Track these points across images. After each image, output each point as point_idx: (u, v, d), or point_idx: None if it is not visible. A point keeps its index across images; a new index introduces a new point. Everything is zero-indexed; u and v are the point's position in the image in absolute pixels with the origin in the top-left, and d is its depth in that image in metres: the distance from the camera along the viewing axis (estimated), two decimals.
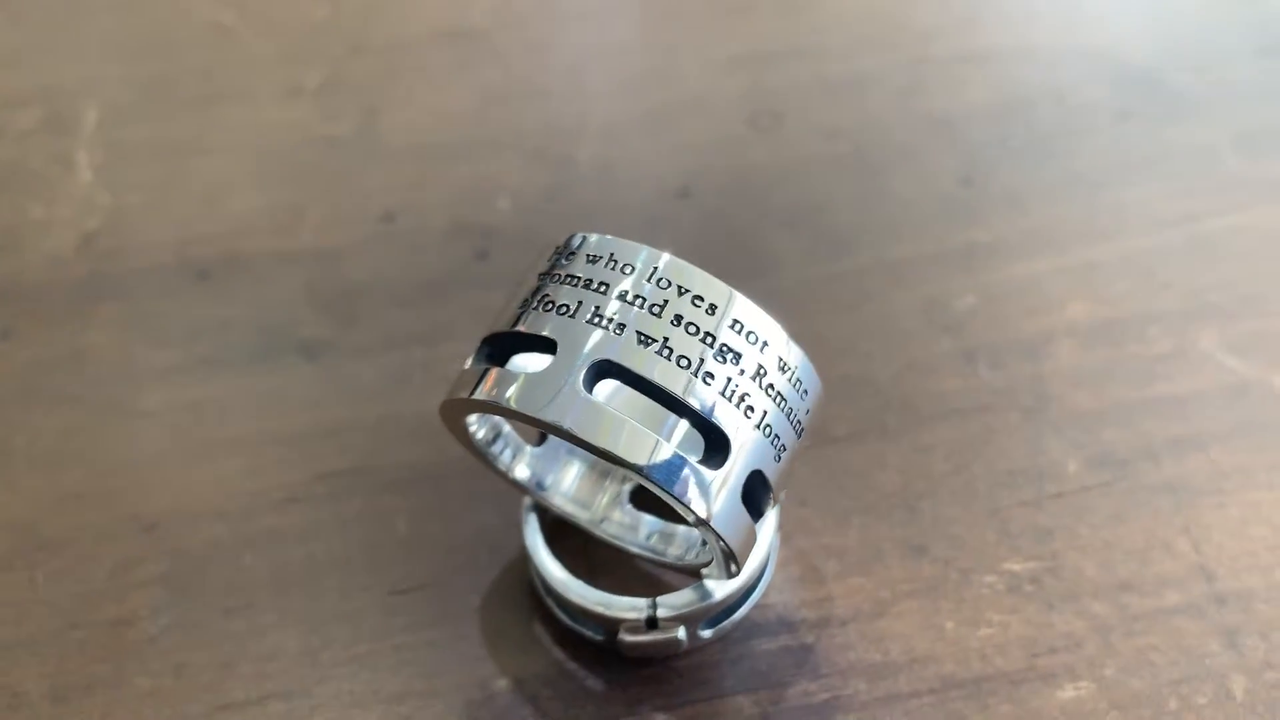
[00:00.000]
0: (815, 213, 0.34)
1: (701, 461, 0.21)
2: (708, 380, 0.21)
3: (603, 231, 0.23)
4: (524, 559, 0.27)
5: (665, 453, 0.21)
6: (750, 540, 0.22)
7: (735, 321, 0.22)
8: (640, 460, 0.21)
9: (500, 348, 0.23)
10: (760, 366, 0.22)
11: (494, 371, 0.22)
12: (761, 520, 0.23)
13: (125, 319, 0.32)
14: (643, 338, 0.21)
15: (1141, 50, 0.38)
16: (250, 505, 0.28)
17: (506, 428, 0.26)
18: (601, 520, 0.26)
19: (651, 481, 0.21)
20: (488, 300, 0.32)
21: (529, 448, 0.26)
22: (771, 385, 0.22)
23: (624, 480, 0.27)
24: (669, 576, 0.26)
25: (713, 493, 0.21)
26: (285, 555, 0.27)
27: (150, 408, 0.30)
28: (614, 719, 0.25)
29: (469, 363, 0.23)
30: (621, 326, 0.21)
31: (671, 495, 0.21)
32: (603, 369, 0.21)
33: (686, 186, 0.35)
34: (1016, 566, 0.26)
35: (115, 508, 0.28)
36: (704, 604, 0.24)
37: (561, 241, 0.23)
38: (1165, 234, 0.33)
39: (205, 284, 0.33)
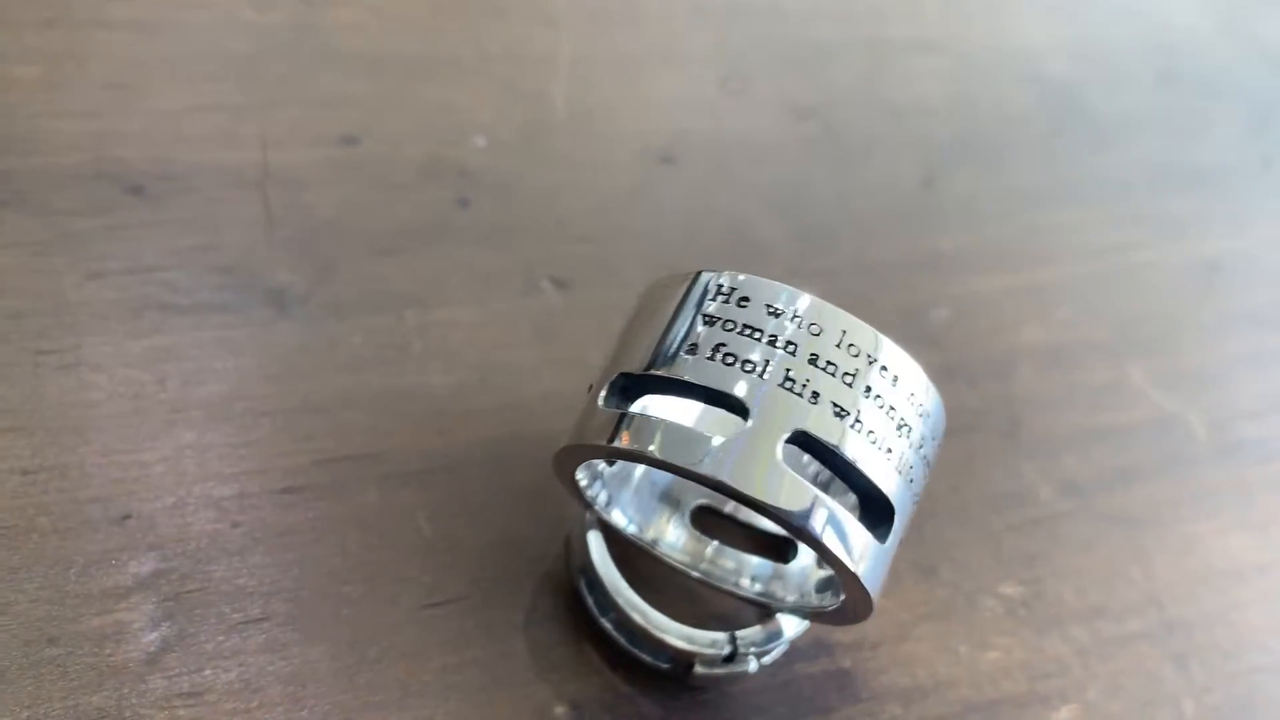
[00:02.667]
0: (796, 198, 0.34)
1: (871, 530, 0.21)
2: (888, 455, 0.21)
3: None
4: (564, 571, 0.26)
5: (867, 542, 0.20)
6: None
7: (913, 395, 0.21)
8: (853, 563, 0.20)
9: (636, 388, 0.21)
10: (923, 440, 0.22)
11: (644, 415, 0.20)
12: None
13: (39, 237, 0.26)
14: (838, 410, 0.20)
15: (1062, 65, 0.40)
16: (246, 494, 0.25)
17: (608, 471, 0.24)
18: (702, 562, 0.25)
19: (846, 572, 0.20)
20: (475, 256, 0.30)
21: (603, 464, 0.24)
22: (926, 459, 0.22)
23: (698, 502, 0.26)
24: (718, 600, 0.26)
25: (883, 568, 0.21)
26: (297, 557, 0.24)
27: (95, 359, 0.25)
28: None
29: (601, 401, 0.21)
30: (816, 395, 0.20)
31: (859, 581, 0.21)
32: (798, 439, 0.20)
33: (669, 152, 0.33)
34: (1010, 590, 0.29)
35: (74, 489, 0.24)
36: (781, 641, 0.25)
37: (693, 274, 0.21)
38: (1096, 263, 0.35)
39: (139, 202, 0.28)
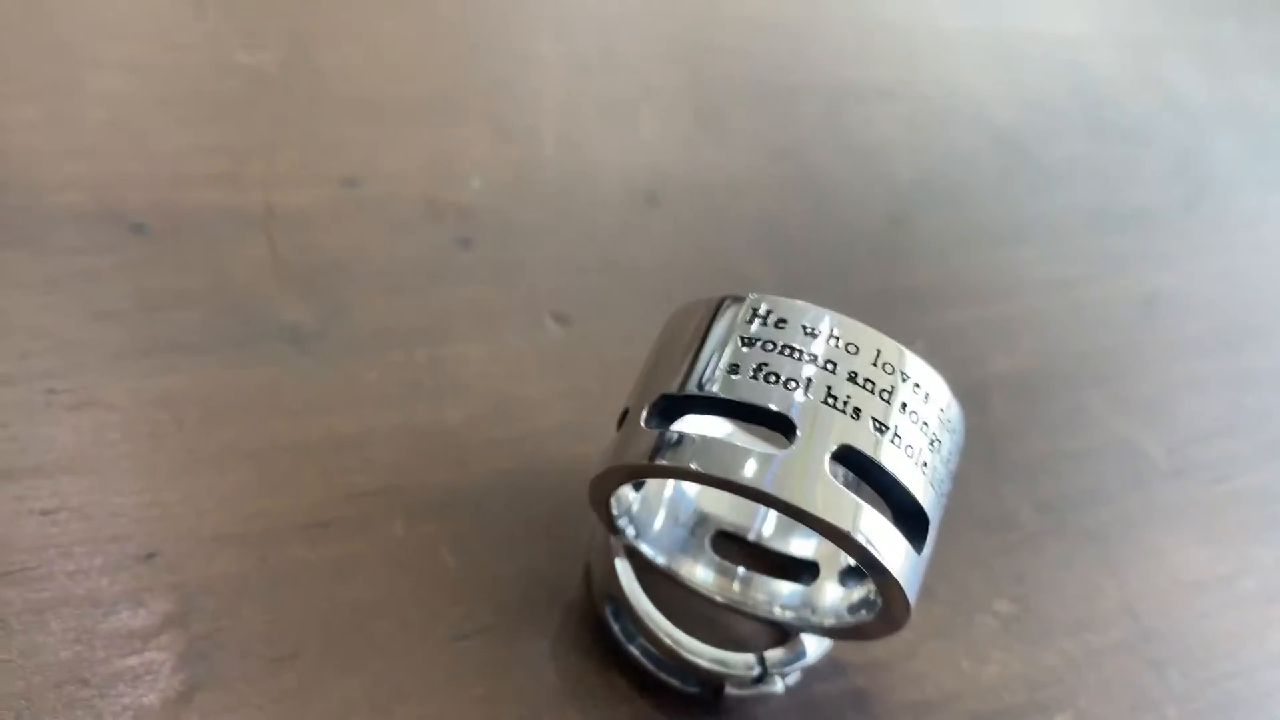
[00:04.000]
0: (775, 234, 0.35)
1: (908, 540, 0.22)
2: (924, 469, 0.22)
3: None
4: (587, 600, 0.26)
5: (907, 552, 0.21)
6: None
7: (943, 411, 0.22)
8: (895, 568, 0.21)
9: (676, 409, 0.22)
10: (951, 456, 0.23)
11: (682, 436, 0.21)
12: None
13: (44, 276, 0.26)
14: (878, 425, 0.21)
15: (1006, 112, 0.43)
16: (272, 530, 0.24)
17: (634, 505, 0.24)
18: (731, 590, 0.26)
19: (890, 581, 0.21)
20: (480, 295, 0.30)
21: (629, 489, 0.25)
22: (952, 472, 0.23)
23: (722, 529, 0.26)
24: (737, 623, 0.27)
25: (919, 577, 0.22)
26: (327, 592, 0.24)
27: (109, 399, 0.25)
28: None
29: (642, 421, 0.22)
30: (858, 412, 0.21)
31: (901, 590, 0.21)
32: (843, 455, 0.21)
33: (654, 190, 0.34)
34: (1003, 607, 0.30)
35: (93, 526, 0.23)
36: (807, 660, 0.25)
37: (719, 299, 0.22)
38: (1051, 296, 0.37)
39: (141, 240, 0.27)
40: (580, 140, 0.34)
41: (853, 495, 0.21)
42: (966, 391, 0.33)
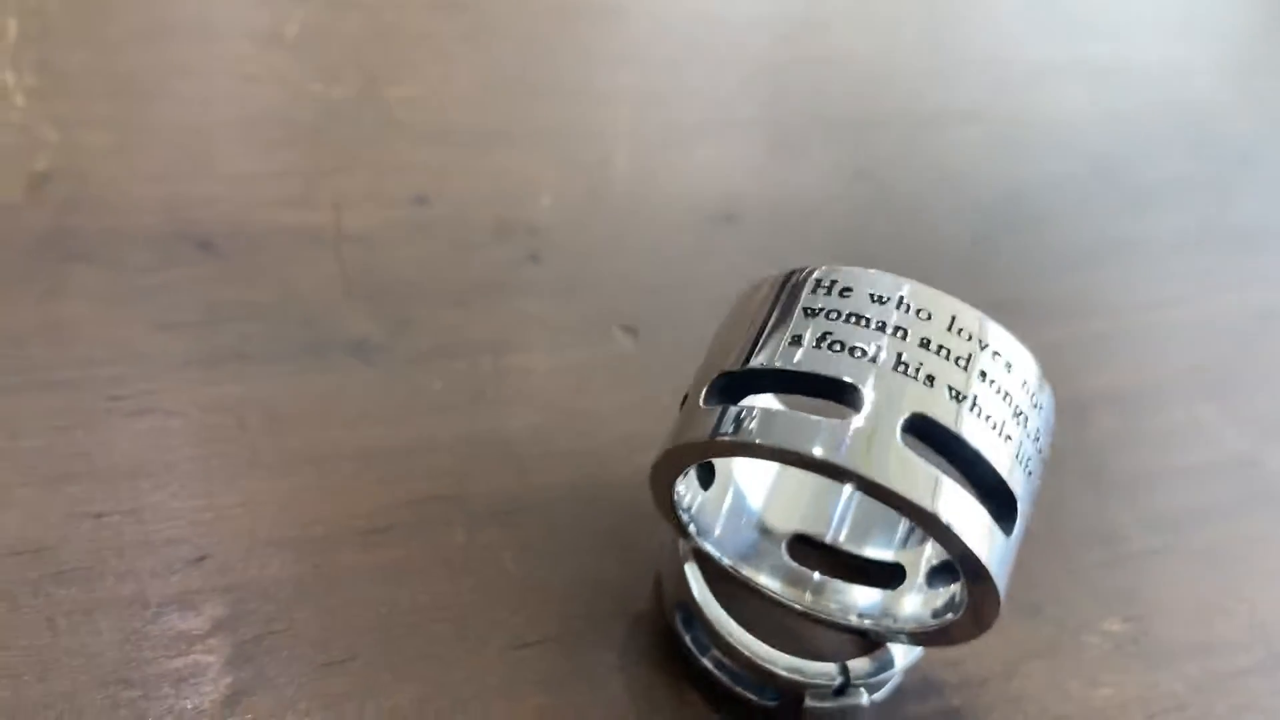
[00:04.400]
0: (855, 255, 0.34)
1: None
2: (1008, 442, 0.20)
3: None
4: (656, 612, 0.24)
5: (994, 532, 0.20)
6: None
7: (1025, 383, 0.21)
8: (981, 549, 0.19)
9: (737, 388, 0.21)
10: (1039, 432, 0.21)
11: (742, 410, 0.20)
12: None
13: (111, 290, 0.26)
14: (954, 393, 0.20)
15: (1100, 135, 0.41)
16: (328, 535, 0.24)
17: (695, 503, 0.23)
18: (806, 595, 0.24)
19: (970, 561, 0.19)
20: (548, 308, 0.29)
21: (698, 485, 0.24)
22: (1042, 452, 0.21)
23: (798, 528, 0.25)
24: (819, 634, 0.25)
25: (1008, 563, 0.20)
26: (384, 596, 0.23)
27: (170, 405, 0.25)
28: None
29: (701, 401, 0.21)
30: (931, 379, 0.20)
31: (989, 575, 0.20)
32: (916, 424, 0.19)
33: (729, 210, 0.33)
34: (1115, 627, 0.27)
35: (147, 529, 0.23)
36: (893, 671, 0.23)
37: (785, 274, 0.21)
38: (1148, 315, 0.35)
39: (210, 257, 0.27)
40: (653, 165, 0.34)
41: (931, 466, 0.19)
42: (1065, 407, 0.31)
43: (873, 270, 0.21)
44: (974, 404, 0.20)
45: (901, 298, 0.20)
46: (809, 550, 0.25)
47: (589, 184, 0.32)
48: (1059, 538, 0.29)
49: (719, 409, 0.20)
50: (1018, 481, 0.20)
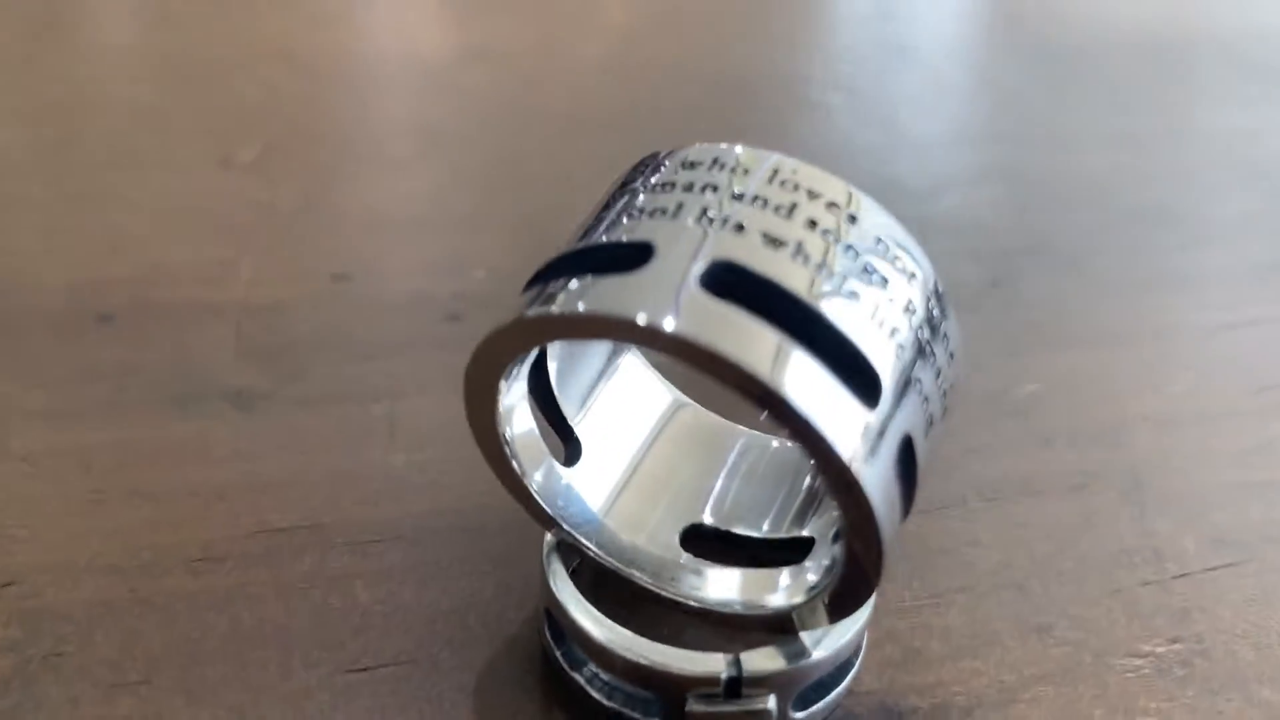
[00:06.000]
0: None
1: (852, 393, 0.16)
2: (852, 298, 0.16)
3: None
4: (532, 630, 0.20)
5: (808, 367, 0.15)
6: (896, 538, 0.17)
7: (880, 240, 0.17)
8: (775, 379, 0.15)
9: (548, 276, 0.17)
10: (910, 302, 0.17)
11: (556, 284, 0.16)
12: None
13: None
14: (770, 240, 0.16)
15: (1138, 184, 0.37)
16: (154, 561, 0.21)
17: (539, 445, 0.19)
18: (663, 570, 0.20)
19: (787, 410, 0.15)
20: (464, 363, 0.27)
21: (559, 467, 0.20)
22: (922, 326, 0.17)
23: (679, 517, 0.20)
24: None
25: (869, 438, 0.15)
26: (201, 622, 0.20)
27: (23, 451, 0.23)
28: None
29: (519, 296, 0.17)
30: (740, 227, 0.16)
31: (810, 428, 0.15)
32: (718, 272, 0.16)
33: None
34: (1160, 649, 0.21)
35: None
36: (801, 663, 0.18)
37: (639, 160, 0.18)
38: (1200, 340, 0.30)
39: (107, 328, 0.26)
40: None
41: (748, 316, 0.15)
42: (1097, 429, 0.26)
43: (748, 146, 0.18)
44: (798, 250, 0.16)
45: (775, 171, 0.17)
46: (696, 538, 0.20)
47: (532, 252, 0.31)
48: (1081, 557, 0.23)
49: (527, 295, 0.17)
50: (878, 348, 0.16)
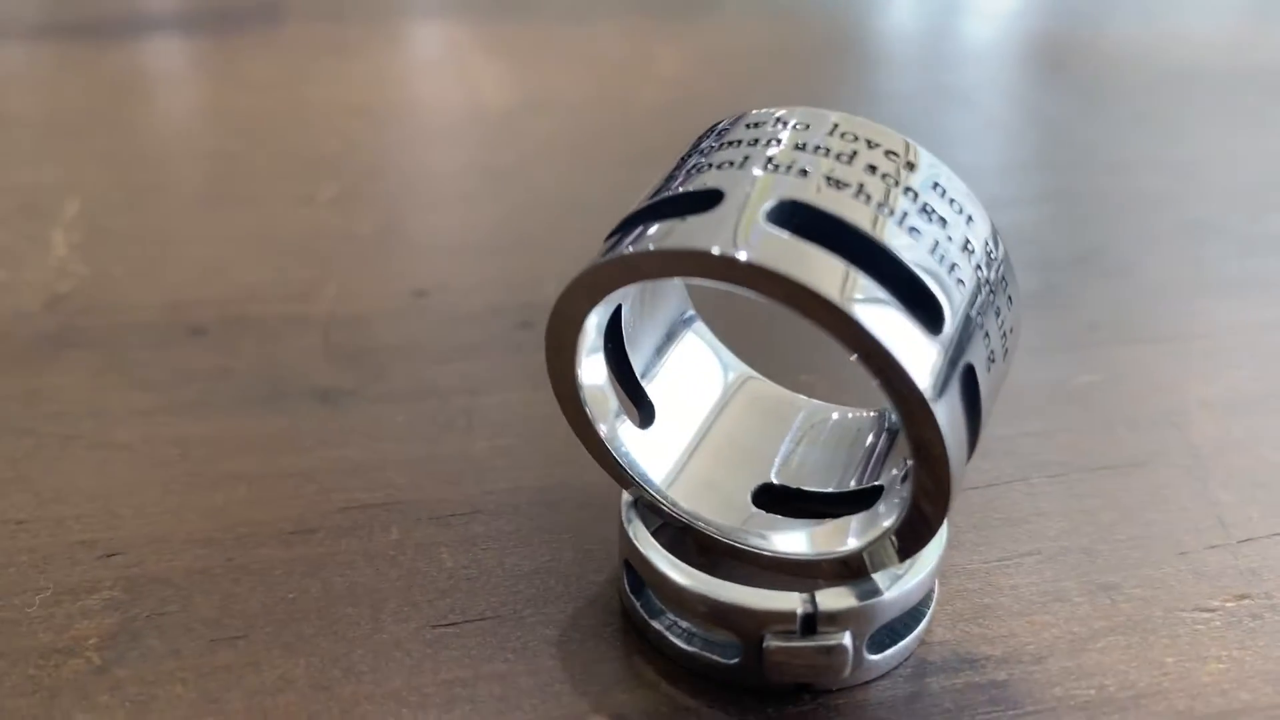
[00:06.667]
0: None
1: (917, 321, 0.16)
2: (914, 234, 0.17)
3: None
4: (612, 590, 0.21)
5: (874, 293, 0.16)
6: (963, 464, 0.17)
7: (937, 184, 0.18)
8: (846, 303, 0.16)
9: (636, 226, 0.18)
10: (968, 242, 0.18)
11: (632, 232, 0.17)
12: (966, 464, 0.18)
13: (97, 364, 0.27)
14: (833, 182, 0.17)
15: (1185, 202, 0.38)
16: (249, 534, 0.22)
17: (614, 400, 0.20)
18: (739, 525, 0.20)
19: (856, 332, 0.16)
20: (538, 361, 0.28)
21: (635, 429, 0.21)
22: (980, 267, 0.18)
23: (750, 477, 0.21)
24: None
25: (933, 360, 0.16)
26: (295, 585, 0.21)
27: (123, 441, 0.24)
28: None
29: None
30: (804, 172, 0.17)
31: (885, 351, 0.16)
32: (785, 210, 0.17)
33: None
34: (1229, 604, 0.21)
35: (66, 534, 0.22)
36: (874, 601, 0.18)
37: (706, 128, 0.19)
38: (1255, 335, 0.30)
39: (200, 339, 0.28)
40: None
41: (818, 249, 0.16)
42: (1157, 412, 0.26)
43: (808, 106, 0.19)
44: (860, 191, 0.17)
45: (835, 124, 0.18)
46: (768, 497, 0.21)
47: None
48: (1144, 526, 0.23)
49: (606, 244, 0.18)
50: (939, 280, 0.17)
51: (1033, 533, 0.23)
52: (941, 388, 0.16)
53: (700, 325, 0.22)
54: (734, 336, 0.23)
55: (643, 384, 0.21)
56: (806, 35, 0.54)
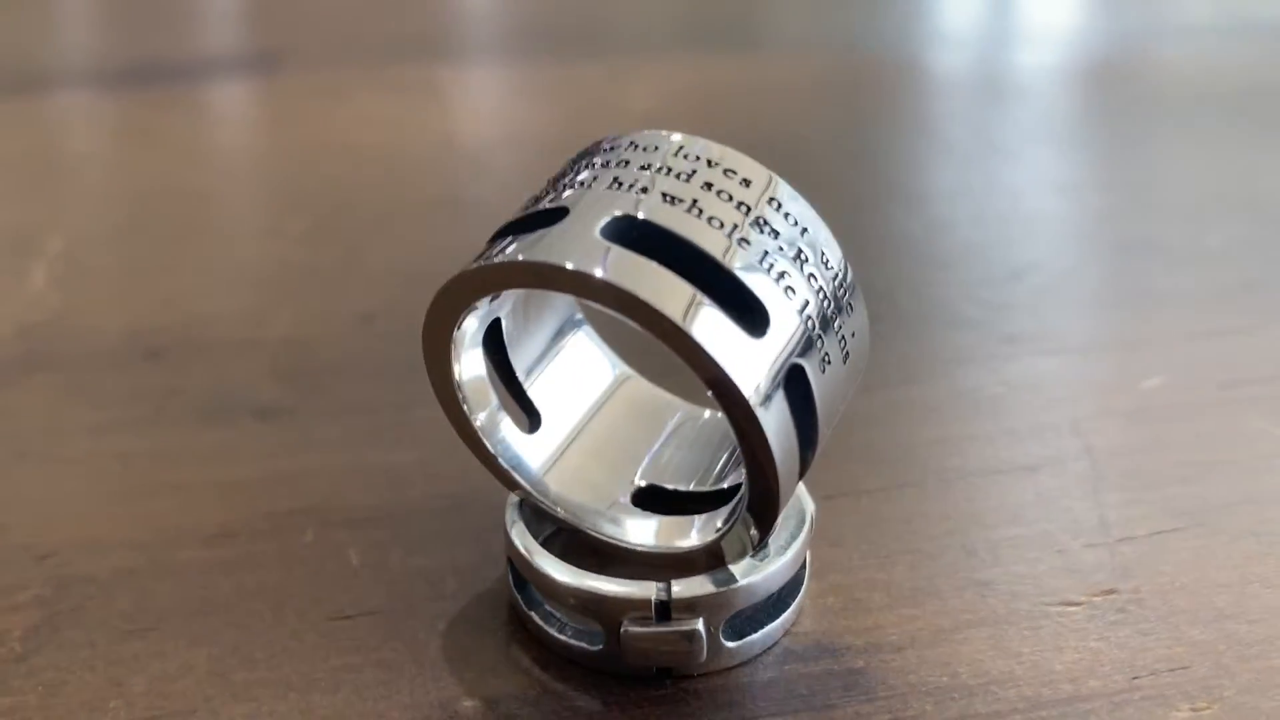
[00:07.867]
0: None
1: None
2: (743, 245, 0.18)
3: None
4: (503, 586, 0.22)
5: (704, 306, 0.17)
6: (793, 468, 0.19)
7: (773, 199, 0.19)
8: (674, 312, 0.17)
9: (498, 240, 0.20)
10: (801, 252, 0.19)
11: (494, 246, 0.19)
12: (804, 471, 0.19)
13: (59, 386, 0.29)
14: (669, 198, 0.19)
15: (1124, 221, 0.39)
16: (175, 538, 0.24)
17: (489, 393, 0.22)
18: (606, 518, 0.22)
19: (687, 343, 0.17)
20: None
21: (518, 432, 0.22)
22: (814, 276, 0.19)
23: (630, 477, 0.22)
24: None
25: (758, 366, 0.18)
26: (209, 583, 0.22)
27: (70, 456, 0.26)
28: None
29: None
30: (645, 190, 0.19)
31: (708, 359, 0.17)
32: (621, 226, 0.18)
33: None
34: (1097, 598, 0.22)
35: (6, 539, 0.24)
36: (726, 589, 0.20)
37: (573, 155, 0.21)
38: (1186, 345, 0.31)
39: (155, 362, 0.30)
40: None
41: (644, 260, 0.18)
42: (1049, 425, 0.27)
43: (663, 131, 0.20)
44: (693, 207, 0.18)
45: (682, 147, 0.19)
46: (636, 493, 0.22)
47: None
48: (1027, 526, 0.24)
49: (483, 251, 0.20)
50: (765, 286, 0.18)
51: (916, 532, 0.24)
52: (765, 387, 0.18)
53: (588, 328, 0.24)
54: (632, 342, 0.24)
55: (525, 386, 0.22)
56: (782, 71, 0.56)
